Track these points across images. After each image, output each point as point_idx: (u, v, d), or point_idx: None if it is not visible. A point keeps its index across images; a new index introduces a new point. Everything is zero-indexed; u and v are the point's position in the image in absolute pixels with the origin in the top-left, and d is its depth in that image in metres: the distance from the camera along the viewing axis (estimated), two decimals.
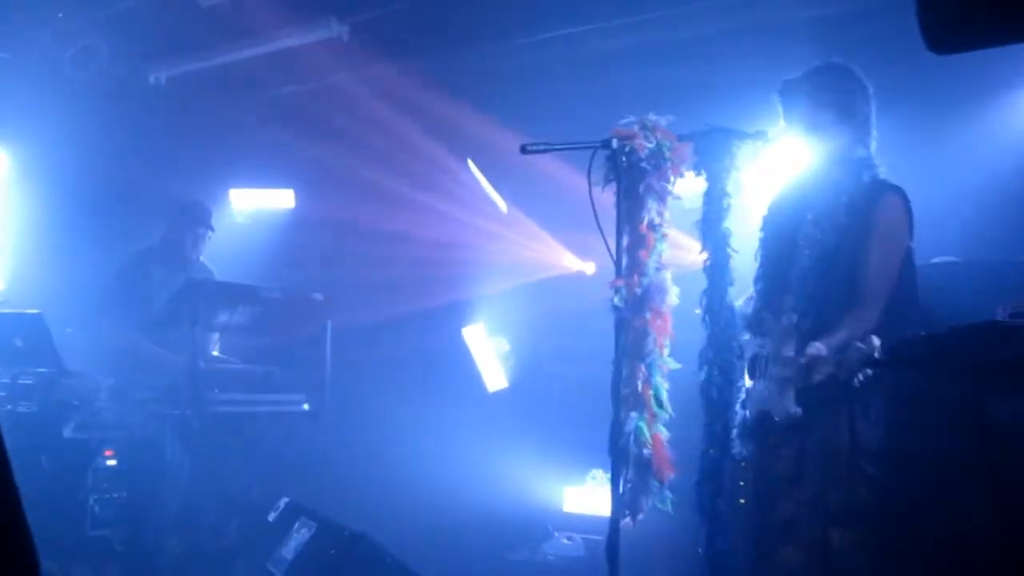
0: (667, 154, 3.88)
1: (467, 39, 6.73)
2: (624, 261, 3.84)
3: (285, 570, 4.73)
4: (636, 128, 3.89)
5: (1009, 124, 5.52)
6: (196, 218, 6.60)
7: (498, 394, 7.22)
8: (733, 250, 4.07)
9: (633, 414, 3.73)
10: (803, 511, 3.93)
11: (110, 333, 6.25)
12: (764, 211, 4.33)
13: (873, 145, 4.14)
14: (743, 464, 4.37)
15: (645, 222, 3.83)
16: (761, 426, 4.05)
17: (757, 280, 4.24)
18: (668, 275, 3.86)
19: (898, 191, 4.01)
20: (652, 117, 3.92)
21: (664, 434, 3.80)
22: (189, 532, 6.18)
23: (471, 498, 6.51)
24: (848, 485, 3.84)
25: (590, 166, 3.80)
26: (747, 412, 4.09)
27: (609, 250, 3.83)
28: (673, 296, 3.84)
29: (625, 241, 3.85)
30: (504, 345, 7.52)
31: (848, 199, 3.99)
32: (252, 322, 6.25)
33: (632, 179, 3.85)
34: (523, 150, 3.72)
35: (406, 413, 7.07)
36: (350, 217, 7.56)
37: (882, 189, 4.00)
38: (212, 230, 6.63)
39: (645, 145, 3.86)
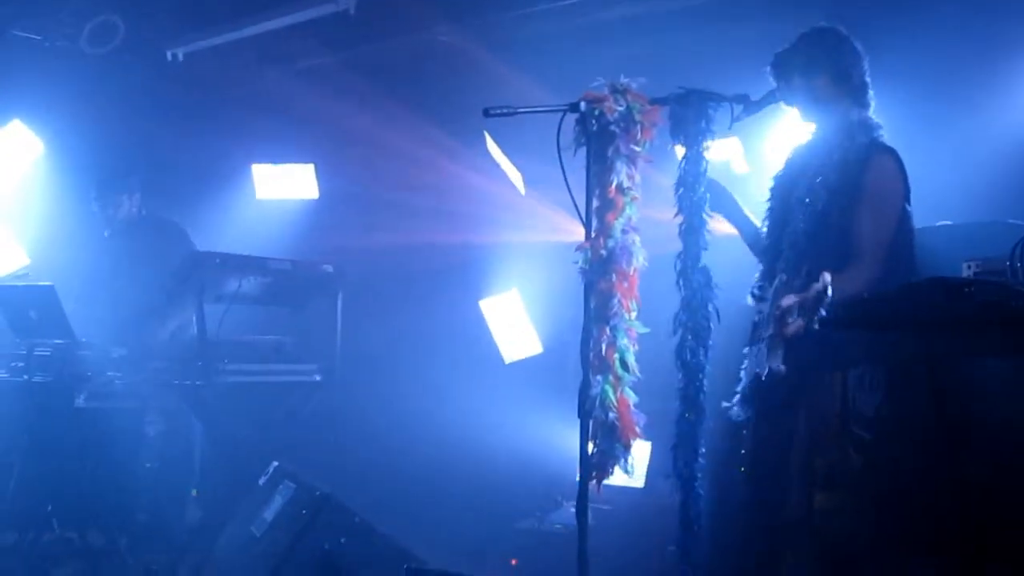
0: (637, 117, 3.87)
1: (478, 8, 6.76)
2: (594, 224, 3.84)
3: (264, 531, 4.86)
4: (607, 91, 3.88)
5: (1015, 86, 5.42)
6: (102, 189, 6.81)
7: (512, 364, 7.25)
8: (708, 215, 4.06)
9: (599, 378, 3.74)
10: (794, 475, 3.93)
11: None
12: (770, 182, 4.32)
13: (871, 105, 4.11)
14: (744, 432, 4.39)
15: (613, 185, 3.82)
16: (756, 390, 4.06)
17: (762, 250, 4.24)
18: (637, 238, 3.85)
19: (890, 152, 3.99)
20: (623, 80, 3.91)
21: (631, 397, 3.80)
22: (204, 501, 6.36)
23: (481, 467, 6.58)
24: (837, 450, 3.82)
25: (559, 130, 3.80)
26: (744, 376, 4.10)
27: (579, 214, 3.84)
28: (641, 259, 3.83)
29: (595, 204, 3.85)
30: (523, 314, 7.52)
31: (840, 159, 3.97)
32: (261, 293, 6.38)
33: (602, 143, 3.85)
34: (486, 113, 3.73)
35: (419, 383, 7.15)
36: (367, 190, 7.65)
37: (873, 150, 3.97)
38: (127, 192, 6.79)
39: (615, 108, 3.85)
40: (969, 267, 3.37)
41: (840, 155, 3.98)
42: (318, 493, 4.80)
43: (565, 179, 3.79)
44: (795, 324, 3.60)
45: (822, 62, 4.08)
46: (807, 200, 4.02)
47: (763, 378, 3.89)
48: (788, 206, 4.13)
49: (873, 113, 4.10)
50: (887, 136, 4.06)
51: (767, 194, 4.31)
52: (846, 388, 3.82)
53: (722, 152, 6.12)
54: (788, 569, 3.93)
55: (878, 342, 3.61)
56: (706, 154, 4.08)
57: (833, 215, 3.94)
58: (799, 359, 3.80)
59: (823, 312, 3.48)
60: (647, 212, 3.97)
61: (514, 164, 7.12)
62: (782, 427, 3.99)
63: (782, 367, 3.83)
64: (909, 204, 3.99)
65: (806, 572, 3.90)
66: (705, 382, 4.02)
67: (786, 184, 4.21)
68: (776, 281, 3.99)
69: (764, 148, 6.16)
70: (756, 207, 4.40)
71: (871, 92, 4.12)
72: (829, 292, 3.41)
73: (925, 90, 5.28)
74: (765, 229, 4.28)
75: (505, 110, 3.77)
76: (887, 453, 3.76)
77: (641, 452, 5.99)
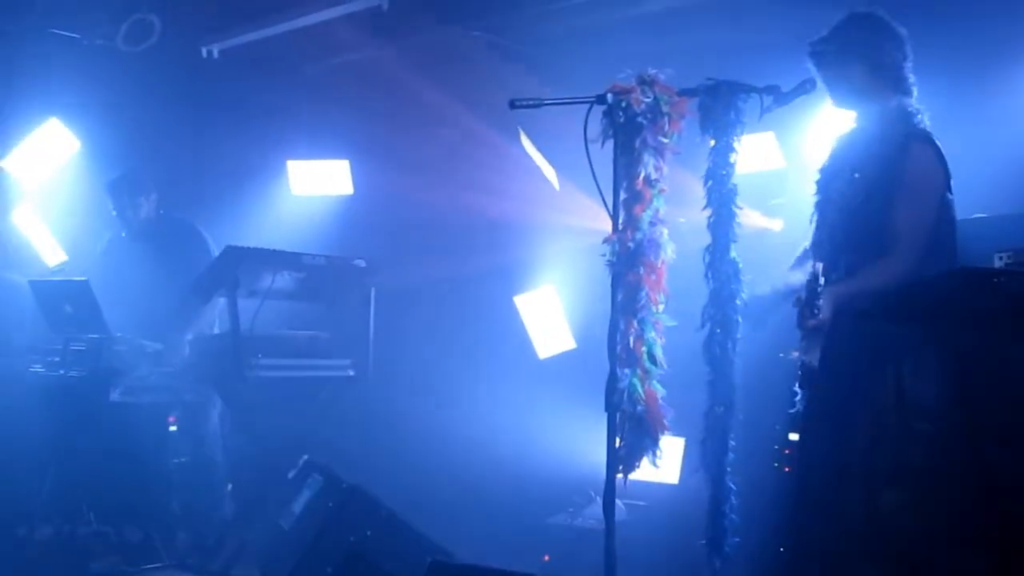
0: (664, 108, 3.87)
1: (511, 2, 6.79)
2: (621, 217, 3.85)
3: (292, 523, 4.92)
4: (634, 83, 3.89)
5: None
6: (119, 191, 6.86)
7: (546, 360, 7.26)
8: (738, 207, 4.05)
9: (626, 371, 3.75)
10: (855, 474, 3.87)
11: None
12: (816, 175, 4.30)
13: (913, 91, 4.08)
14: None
15: (641, 177, 3.83)
16: (807, 378, 4.05)
17: (813, 245, 4.23)
18: (665, 231, 3.86)
19: (928, 140, 3.95)
20: (651, 71, 3.92)
21: (659, 391, 3.81)
22: (236, 494, 6.43)
23: (513, 463, 6.60)
24: (896, 444, 3.76)
25: (586, 122, 3.82)
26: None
27: (607, 206, 3.85)
28: (669, 252, 3.84)
29: (622, 197, 3.86)
30: (558, 310, 7.53)
31: (879, 152, 3.95)
32: (295, 288, 6.44)
33: (629, 134, 3.86)
34: (512, 105, 3.76)
35: (452, 379, 7.18)
36: (402, 186, 7.70)
37: (911, 139, 3.93)
38: (144, 194, 6.84)
39: (642, 100, 3.85)
40: (1001, 258, 3.33)
41: (878, 147, 3.95)
42: (344, 486, 4.84)
43: (592, 171, 3.80)
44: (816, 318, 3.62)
45: (858, 50, 4.05)
46: (845, 194, 4.00)
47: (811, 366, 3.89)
48: (827, 198, 4.13)
49: (915, 100, 4.05)
50: (928, 122, 4.01)
51: (813, 187, 4.28)
52: (901, 379, 3.76)
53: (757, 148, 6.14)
54: (854, 572, 3.85)
55: (931, 331, 3.55)
56: (736, 145, 4.07)
57: (871, 208, 3.91)
58: (849, 352, 3.79)
59: (819, 303, 3.49)
60: (675, 207, 3.99)
61: (548, 158, 7.13)
62: (837, 423, 3.95)
63: (814, 361, 3.84)
64: (950, 193, 3.95)
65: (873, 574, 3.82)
66: (734, 375, 4.02)
67: (829, 177, 4.19)
68: (810, 272, 3.99)
69: (801, 142, 6.13)
70: (795, 202, 4.38)
71: (912, 78, 4.08)
72: (821, 281, 3.41)
73: (951, 82, 5.24)
74: (814, 225, 4.25)
75: (532, 101, 3.79)
76: (950, 446, 3.69)
77: (675, 448, 6.02)
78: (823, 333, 3.91)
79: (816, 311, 3.78)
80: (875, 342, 3.79)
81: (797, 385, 4.12)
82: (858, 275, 3.90)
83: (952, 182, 3.98)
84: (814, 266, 4.00)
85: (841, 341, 3.86)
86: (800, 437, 4.27)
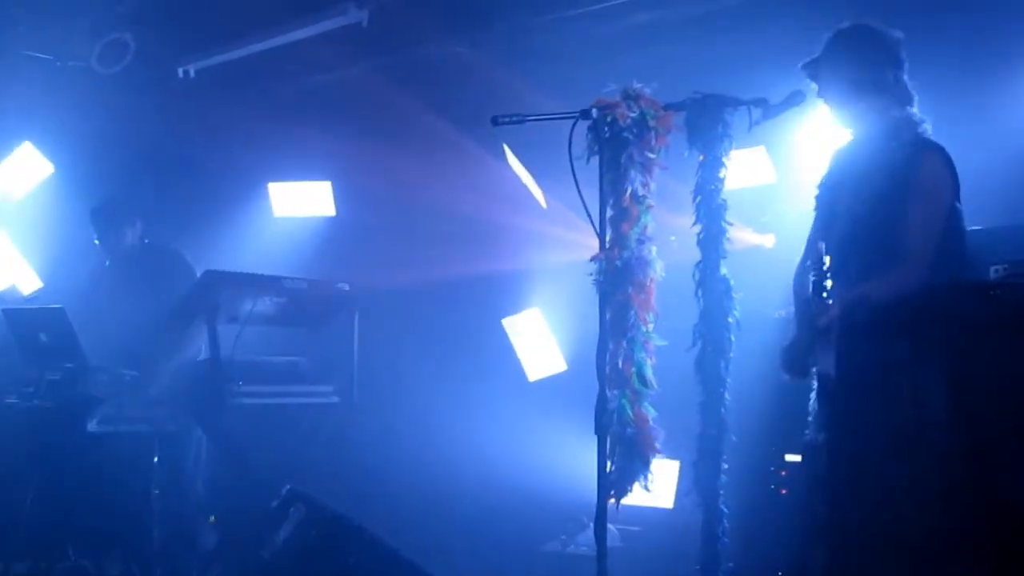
0: (651, 123, 3.87)
1: (491, 19, 6.78)
2: (608, 234, 3.84)
3: (273, 553, 4.88)
4: (619, 97, 3.89)
5: None
6: (102, 219, 6.79)
7: (536, 382, 7.24)
8: (728, 223, 4.04)
9: (616, 392, 3.73)
10: (875, 488, 3.80)
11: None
12: (815, 191, 4.27)
13: (914, 98, 4.04)
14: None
15: (628, 194, 3.82)
16: (823, 389, 4.01)
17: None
18: (654, 248, 3.85)
19: (938, 149, 3.92)
20: (636, 85, 3.91)
21: (650, 412, 3.79)
22: (218, 526, 6.37)
23: (504, 489, 6.55)
24: (916, 459, 3.69)
25: (570, 138, 3.80)
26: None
27: (593, 224, 3.83)
28: (658, 269, 3.83)
29: (608, 214, 3.85)
30: (546, 332, 7.51)
31: (886, 162, 3.90)
32: (276, 313, 6.38)
33: (614, 150, 3.85)
34: (494, 122, 3.74)
35: (439, 404, 7.15)
36: (385, 207, 7.69)
37: (920, 148, 3.91)
38: (129, 223, 6.78)
39: (628, 114, 3.85)
40: (997, 270, 3.32)
41: (885, 157, 3.90)
42: (328, 515, 4.81)
43: (578, 189, 3.79)
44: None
45: (850, 66, 4.01)
46: (854, 208, 3.97)
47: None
48: (835, 214, 4.09)
49: (916, 108, 4.02)
50: (931, 130, 3.99)
51: (814, 203, 4.23)
52: (917, 392, 3.71)
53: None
54: None
55: (943, 342, 3.52)
56: (725, 160, 4.06)
57: (879, 220, 3.88)
58: (863, 363, 3.75)
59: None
60: (664, 220, 3.98)
61: (534, 174, 7.12)
62: (856, 437, 3.88)
63: (829, 369, 3.78)
64: (959, 202, 3.92)
65: None
66: (727, 395, 4.00)
67: (832, 191, 4.15)
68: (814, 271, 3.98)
69: (792, 156, 6.12)
70: (787, 216, 4.35)
71: (909, 83, 4.03)
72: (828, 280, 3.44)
73: (947, 93, 5.24)
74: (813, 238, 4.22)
75: (515, 118, 3.77)
76: (970, 460, 3.65)
77: (669, 471, 5.98)
78: (834, 338, 3.86)
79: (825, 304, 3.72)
80: (889, 355, 3.74)
81: (814, 397, 4.05)
82: (869, 283, 3.84)
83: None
84: (820, 261, 3.97)
85: (855, 354, 3.82)
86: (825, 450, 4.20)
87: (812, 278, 3.89)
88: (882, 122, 3.98)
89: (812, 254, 4.14)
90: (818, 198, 4.21)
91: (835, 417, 3.93)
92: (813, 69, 4.08)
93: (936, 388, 3.69)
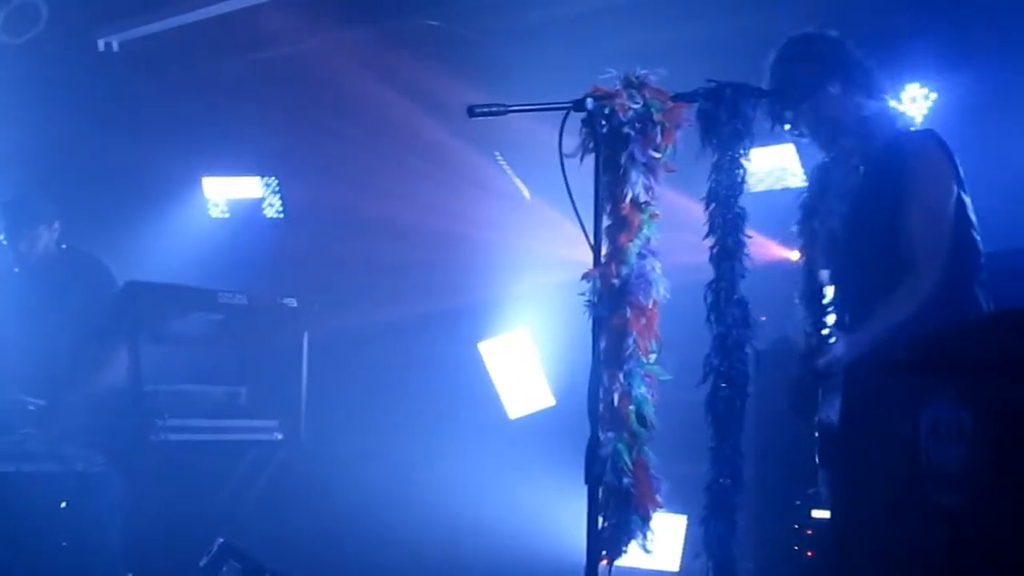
0: (656, 116, 3.87)
1: None
2: (604, 247, 3.84)
3: None
4: (619, 85, 3.89)
5: None
6: (14, 218, 6.76)
7: (517, 420, 7.27)
8: (747, 235, 4.06)
9: (610, 435, 3.73)
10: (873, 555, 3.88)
11: None
12: (797, 212, 4.44)
13: (887, 91, 4.23)
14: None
15: (628, 199, 3.81)
16: (824, 439, 4.09)
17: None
18: (657, 264, 3.84)
19: (928, 133, 4.08)
20: (639, 71, 3.92)
21: (650, 459, 3.78)
22: None
23: (477, 546, 6.58)
24: (914, 520, 3.74)
25: (560, 133, 3.80)
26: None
27: (587, 235, 3.84)
28: (662, 290, 3.82)
29: (605, 223, 3.85)
30: (533, 359, 7.53)
31: (874, 166, 4.06)
32: (210, 333, 6.40)
33: (613, 148, 3.85)
34: (471, 112, 3.75)
35: (402, 444, 7.17)
36: (342, 207, 7.70)
37: (907, 137, 4.06)
38: (45, 224, 6.74)
39: (629, 106, 3.84)
40: None
41: (872, 161, 4.07)
42: (266, 574, 4.82)
43: (569, 193, 3.78)
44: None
45: (799, 85, 4.19)
46: (847, 218, 4.10)
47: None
48: (832, 233, 4.20)
49: (891, 98, 4.22)
50: (916, 120, 4.12)
51: (796, 228, 4.41)
52: (916, 442, 3.71)
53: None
54: None
55: (963, 383, 3.55)
56: (744, 161, 4.09)
57: (875, 233, 4.01)
58: (864, 411, 3.80)
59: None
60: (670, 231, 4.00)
61: (518, 173, 7.18)
62: (857, 492, 3.97)
63: (833, 417, 3.84)
64: (964, 191, 4.03)
65: None
66: (743, 440, 4.02)
67: (816, 208, 4.32)
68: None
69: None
70: None
71: (877, 75, 4.19)
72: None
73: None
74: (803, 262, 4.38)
75: (495, 108, 3.77)
76: (979, 522, 3.68)
77: (674, 528, 6.01)
78: (838, 383, 3.93)
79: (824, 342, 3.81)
80: (890, 396, 3.80)
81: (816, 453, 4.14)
82: (884, 308, 3.92)
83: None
84: (819, 293, 4.05)
85: (857, 400, 3.89)
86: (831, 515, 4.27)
87: (808, 313, 3.98)
88: (858, 123, 4.14)
89: (806, 284, 4.25)
90: (800, 222, 4.38)
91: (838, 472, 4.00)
92: (773, 99, 4.22)
93: (949, 435, 3.72)
